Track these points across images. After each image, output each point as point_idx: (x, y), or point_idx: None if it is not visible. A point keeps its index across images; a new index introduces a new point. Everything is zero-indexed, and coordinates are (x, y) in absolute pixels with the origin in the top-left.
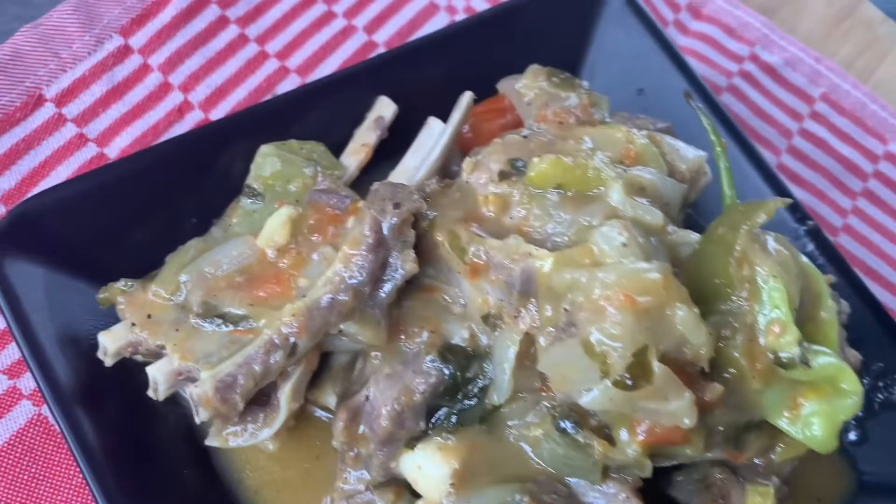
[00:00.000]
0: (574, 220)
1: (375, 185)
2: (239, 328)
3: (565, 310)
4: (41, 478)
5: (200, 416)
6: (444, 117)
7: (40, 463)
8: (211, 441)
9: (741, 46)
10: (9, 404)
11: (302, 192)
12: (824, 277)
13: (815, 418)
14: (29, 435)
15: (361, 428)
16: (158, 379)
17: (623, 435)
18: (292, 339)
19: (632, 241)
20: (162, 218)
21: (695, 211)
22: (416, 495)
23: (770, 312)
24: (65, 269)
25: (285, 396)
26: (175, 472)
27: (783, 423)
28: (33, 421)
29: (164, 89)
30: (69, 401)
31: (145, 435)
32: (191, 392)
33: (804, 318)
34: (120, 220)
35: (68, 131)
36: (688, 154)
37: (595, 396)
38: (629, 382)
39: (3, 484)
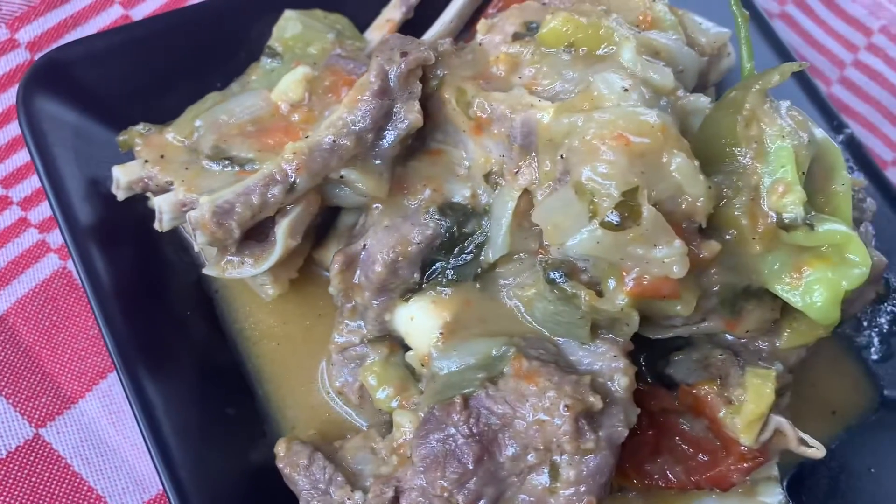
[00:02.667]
0: (582, 78)
1: (386, 36)
2: (244, 169)
3: (561, 157)
4: (61, 326)
5: (198, 241)
6: None
7: (61, 312)
8: (209, 270)
9: None
10: (37, 256)
11: (321, 56)
12: (856, 180)
13: (816, 285)
14: (53, 286)
15: (357, 276)
16: (164, 208)
17: (611, 284)
18: (292, 176)
19: (634, 88)
20: (187, 78)
21: None
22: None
23: (775, 172)
24: (91, 115)
25: (282, 231)
26: (180, 317)
27: (782, 290)
28: (57, 273)
29: None
30: (85, 238)
31: (155, 279)
32: (190, 216)
33: (815, 190)
34: (146, 75)
35: (115, 12)
36: (709, 29)
37: (583, 238)
38: (616, 222)
39: (26, 329)
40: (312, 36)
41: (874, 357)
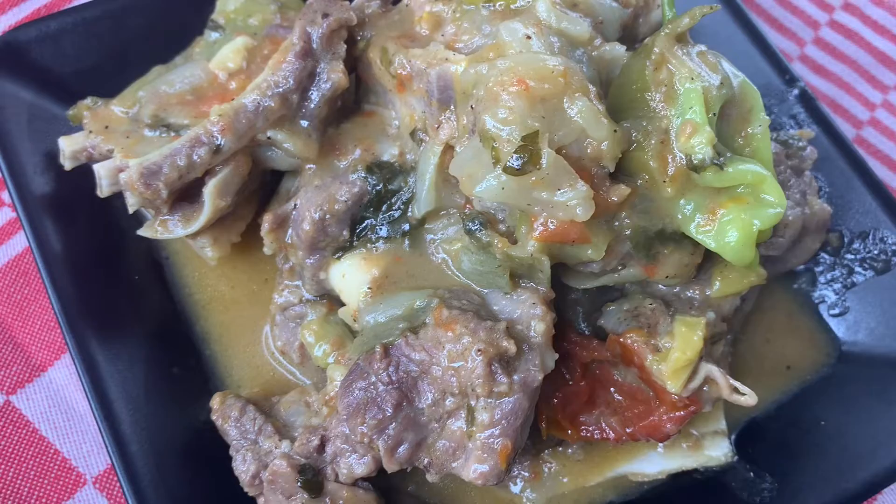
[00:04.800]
0: (497, 32)
1: (310, 0)
2: (179, 135)
3: (471, 108)
4: (32, 298)
5: (129, 202)
6: None
7: (32, 286)
8: (143, 231)
9: None
10: (10, 233)
11: (261, 26)
12: (804, 132)
13: (730, 226)
14: (25, 261)
15: (289, 235)
16: (102, 174)
17: (523, 232)
18: (217, 138)
19: (539, 36)
20: (140, 56)
21: None
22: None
23: (683, 114)
24: (46, 94)
25: (209, 192)
26: (130, 282)
27: (696, 232)
28: (30, 249)
29: None
30: (37, 207)
31: (107, 247)
32: (120, 177)
33: (732, 133)
34: (101, 54)
35: None
36: None
37: (490, 186)
38: (517, 166)
39: (1, 301)
40: (254, 8)
41: (831, 312)
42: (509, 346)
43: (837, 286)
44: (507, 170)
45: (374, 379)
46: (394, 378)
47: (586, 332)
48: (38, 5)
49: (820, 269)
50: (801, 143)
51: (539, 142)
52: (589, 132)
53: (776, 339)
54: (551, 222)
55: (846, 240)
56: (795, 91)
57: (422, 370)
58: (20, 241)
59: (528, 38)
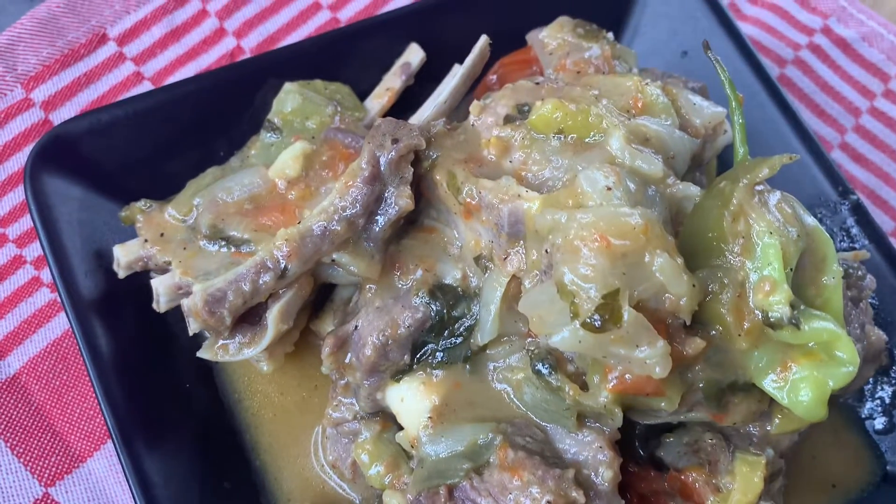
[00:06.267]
0: (571, 166)
1: (378, 121)
2: (240, 251)
3: (546, 251)
4: (71, 385)
5: (191, 327)
6: None
7: (71, 371)
8: (202, 353)
9: (813, 18)
10: (48, 315)
11: (319, 129)
12: (859, 253)
13: (803, 383)
14: (64, 345)
15: (349, 356)
16: (160, 290)
17: (595, 381)
18: (283, 263)
19: (618, 186)
20: (192, 147)
21: None
22: (402, 429)
23: (762, 269)
24: (95, 188)
25: (273, 317)
26: (180, 387)
27: (769, 386)
28: (68, 333)
29: (218, 34)
30: (86, 309)
31: (156, 349)
32: (183, 303)
33: (806, 282)
34: (152, 146)
35: (126, 69)
36: (704, 109)
37: (565, 337)
38: (597, 324)
39: (38, 388)
40: (311, 109)
41: (877, 428)
42: (578, 496)
43: (885, 403)
44: (585, 326)
45: None
46: None
47: (642, 454)
48: (77, 74)
49: (868, 385)
50: (860, 272)
51: (619, 300)
52: (669, 288)
53: (822, 455)
54: (627, 376)
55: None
56: (847, 203)
57: None
58: (59, 325)
59: (609, 189)
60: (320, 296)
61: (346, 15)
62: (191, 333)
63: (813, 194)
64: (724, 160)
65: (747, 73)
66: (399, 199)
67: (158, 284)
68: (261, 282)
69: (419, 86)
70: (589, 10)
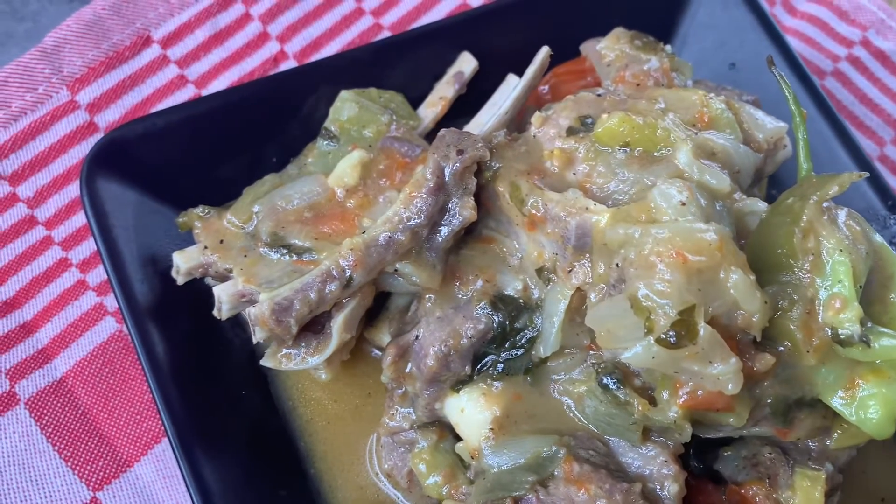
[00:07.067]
0: (637, 180)
1: (442, 132)
2: (302, 259)
3: (616, 265)
4: (117, 389)
5: (257, 336)
6: None
7: (118, 375)
8: (265, 361)
9: (853, 30)
10: (95, 318)
11: (376, 137)
12: None
13: (872, 401)
14: (110, 349)
15: (409, 366)
16: (223, 298)
17: (665, 396)
18: (348, 272)
19: (691, 201)
20: (245, 153)
21: (777, 190)
22: (459, 439)
23: (832, 287)
24: (150, 194)
25: (337, 326)
26: (235, 394)
27: (836, 403)
28: (114, 337)
29: (262, 38)
30: (143, 315)
31: (211, 355)
32: (249, 312)
33: (873, 299)
34: (205, 151)
35: (171, 72)
36: (766, 124)
37: (637, 353)
38: (672, 340)
39: (84, 392)
40: (367, 118)
41: None
42: None
43: None
44: (660, 342)
45: None
46: None
47: (699, 467)
48: (121, 77)
49: None
50: None
51: (695, 316)
52: (742, 304)
53: (871, 469)
54: (699, 392)
55: None
56: (894, 217)
57: None
58: (105, 328)
59: (683, 204)
60: (375, 304)
61: (389, 21)
62: (255, 342)
63: (861, 208)
64: (776, 179)
65: (796, 86)
66: (463, 210)
67: (221, 292)
68: (327, 291)
69: (469, 94)
70: (637, 21)
